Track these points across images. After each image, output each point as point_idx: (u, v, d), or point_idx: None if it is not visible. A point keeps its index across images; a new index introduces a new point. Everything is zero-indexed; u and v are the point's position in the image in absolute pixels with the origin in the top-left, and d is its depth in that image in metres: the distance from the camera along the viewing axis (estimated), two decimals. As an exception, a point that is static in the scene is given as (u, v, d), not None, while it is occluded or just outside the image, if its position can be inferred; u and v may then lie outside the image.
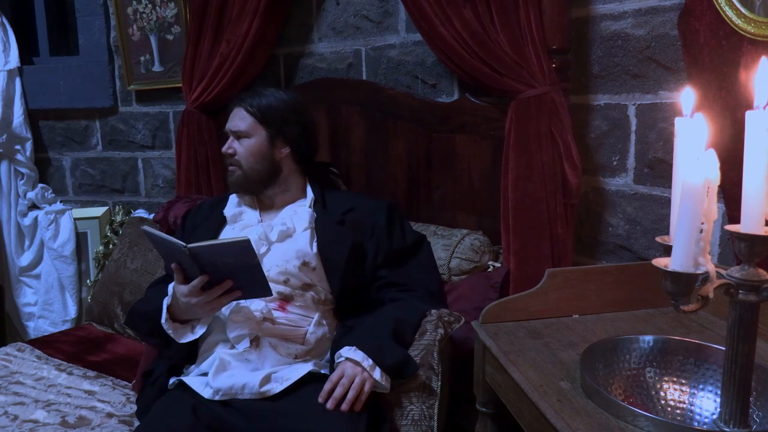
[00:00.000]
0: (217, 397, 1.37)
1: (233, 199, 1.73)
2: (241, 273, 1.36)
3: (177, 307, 1.44)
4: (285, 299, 1.53)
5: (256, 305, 1.49)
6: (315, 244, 1.58)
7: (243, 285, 1.40)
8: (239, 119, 1.64)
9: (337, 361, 1.38)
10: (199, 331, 1.47)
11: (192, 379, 1.44)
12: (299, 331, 1.51)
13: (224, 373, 1.40)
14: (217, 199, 1.82)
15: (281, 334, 1.49)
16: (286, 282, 1.53)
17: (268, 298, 1.48)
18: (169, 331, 1.45)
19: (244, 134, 1.64)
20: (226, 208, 1.71)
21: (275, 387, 1.37)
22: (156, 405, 1.42)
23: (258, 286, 1.39)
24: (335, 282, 1.55)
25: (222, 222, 1.68)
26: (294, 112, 1.68)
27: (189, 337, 1.47)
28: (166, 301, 1.47)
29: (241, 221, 1.66)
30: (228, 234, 1.64)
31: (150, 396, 1.51)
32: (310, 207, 1.67)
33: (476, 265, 1.71)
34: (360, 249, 1.60)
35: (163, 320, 1.45)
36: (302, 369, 1.41)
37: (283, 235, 1.59)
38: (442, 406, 1.40)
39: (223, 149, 1.66)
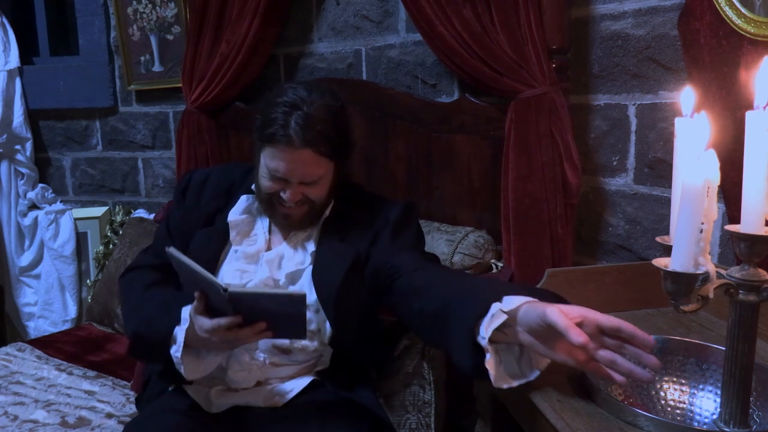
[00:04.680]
0: (218, 411, 1.33)
1: (243, 200, 1.44)
2: (280, 318, 1.19)
3: (191, 334, 1.23)
4: (284, 351, 1.36)
5: (259, 355, 1.35)
6: (313, 288, 1.35)
7: (277, 328, 1.22)
8: (310, 166, 1.30)
9: (513, 307, 0.96)
10: (210, 369, 1.30)
11: (193, 389, 1.36)
12: (306, 365, 1.39)
13: (226, 395, 1.35)
14: (226, 181, 1.50)
15: (287, 375, 1.37)
16: None
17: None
18: (180, 368, 1.25)
19: (313, 181, 1.33)
20: (232, 210, 1.43)
21: (279, 400, 1.34)
22: (156, 402, 1.38)
23: (293, 330, 1.24)
24: (330, 309, 1.33)
25: (225, 232, 1.42)
26: (345, 122, 1.36)
27: (197, 377, 1.30)
28: (180, 334, 1.24)
29: (247, 245, 1.40)
30: (233, 263, 1.39)
31: (150, 396, 1.49)
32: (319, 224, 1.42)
33: (479, 262, 1.70)
34: (361, 263, 1.37)
35: (177, 357, 1.24)
36: (304, 380, 1.37)
37: (290, 277, 1.37)
38: (438, 413, 1.40)
39: (288, 199, 1.32)
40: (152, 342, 1.29)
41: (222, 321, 1.16)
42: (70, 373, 1.93)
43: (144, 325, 1.32)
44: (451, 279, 1.19)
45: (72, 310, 2.77)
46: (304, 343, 1.33)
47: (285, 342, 1.33)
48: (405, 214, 1.41)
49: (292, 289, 1.35)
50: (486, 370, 0.95)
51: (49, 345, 2.14)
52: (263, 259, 1.38)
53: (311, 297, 1.32)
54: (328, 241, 1.39)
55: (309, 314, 1.30)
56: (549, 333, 0.91)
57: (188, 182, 1.51)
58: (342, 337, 1.34)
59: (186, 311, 1.23)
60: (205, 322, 1.18)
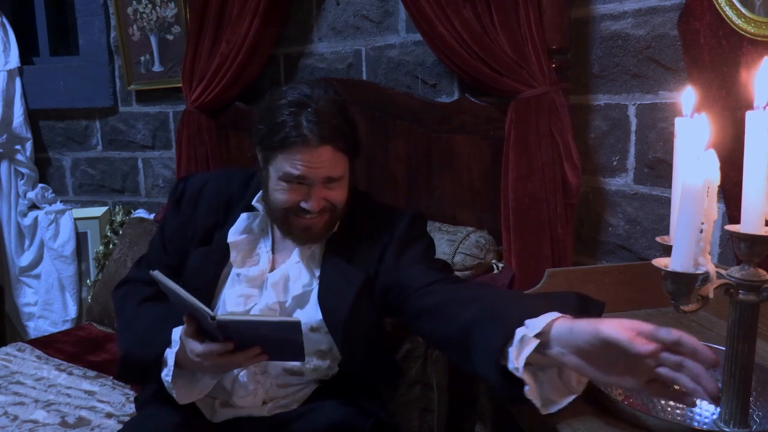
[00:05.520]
0: (219, 420, 1.30)
1: (242, 219, 1.34)
2: (275, 342, 1.14)
3: (182, 357, 1.18)
4: (297, 373, 1.32)
5: (267, 378, 1.30)
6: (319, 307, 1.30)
7: (273, 351, 1.16)
8: (330, 165, 1.22)
9: (548, 321, 0.89)
10: (204, 392, 1.26)
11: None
12: (314, 383, 1.36)
13: (228, 407, 1.31)
14: (224, 193, 1.39)
15: (294, 392, 1.33)
16: None
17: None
18: (173, 393, 1.20)
19: (338, 178, 1.26)
20: (231, 230, 1.33)
21: (282, 410, 1.31)
22: (155, 402, 1.34)
23: (291, 354, 1.18)
24: (338, 334, 1.26)
25: (224, 252, 1.32)
26: (352, 116, 1.29)
27: (190, 400, 1.25)
28: (170, 357, 1.18)
29: (250, 267, 1.32)
30: (235, 288, 1.31)
31: (149, 396, 1.48)
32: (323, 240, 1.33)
33: (480, 262, 1.70)
34: (369, 285, 1.29)
35: (168, 381, 1.19)
36: (309, 389, 1.35)
37: (297, 300, 1.30)
38: (441, 417, 1.41)
39: (312, 207, 1.22)
40: (142, 363, 1.24)
41: (213, 347, 1.11)
42: (70, 373, 1.93)
43: (134, 345, 1.26)
44: (464, 297, 1.11)
45: (72, 310, 2.77)
46: (317, 363, 1.30)
47: (296, 364, 1.28)
48: (411, 227, 1.33)
49: (299, 313, 1.29)
50: (524, 397, 0.88)
51: (49, 345, 2.14)
52: (268, 282, 1.30)
53: (318, 317, 1.28)
54: (335, 260, 1.30)
55: (319, 336, 1.28)
56: (602, 352, 0.82)
57: (183, 191, 1.41)
58: (350, 358, 1.30)
59: (177, 333, 1.18)
60: (196, 347, 1.13)
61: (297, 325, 1.07)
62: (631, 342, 0.77)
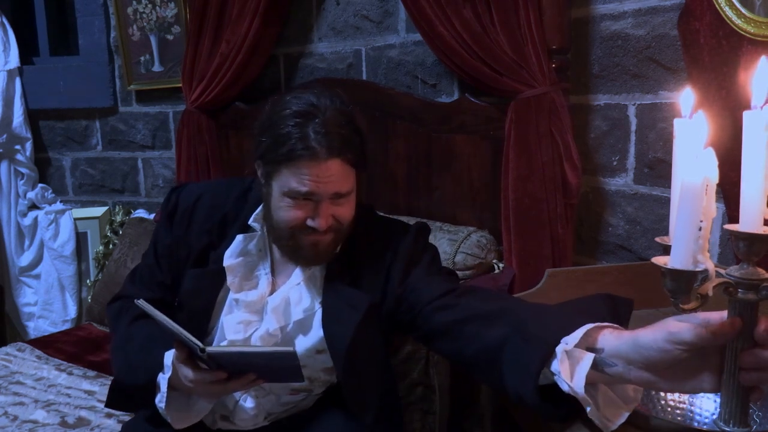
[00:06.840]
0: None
1: (238, 241, 1.25)
2: (271, 369, 1.11)
3: (176, 381, 1.15)
4: (304, 390, 1.29)
5: (269, 400, 1.28)
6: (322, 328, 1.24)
7: (269, 376, 1.14)
8: (339, 179, 1.14)
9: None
10: (201, 416, 1.23)
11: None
12: (316, 397, 1.34)
13: (228, 421, 1.28)
14: (218, 210, 1.30)
15: (298, 411, 1.31)
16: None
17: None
18: (168, 418, 1.18)
19: (347, 193, 1.18)
20: (227, 253, 1.25)
21: (284, 421, 1.30)
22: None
23: (288, 377, 1.15)
24: (339, 361, 1.20)
25: (221, 277, 1.24)
26: (360, 126, 1.22)
27: (186, 425, 1.22)
28: (163, 383, 1.15)
29: (248, 291, 1.25)
30: (234, 314, 1.24)
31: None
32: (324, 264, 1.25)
33: (481, 262, 1.70)
34: (374, 310, 1.22)
35: (162, 408, 1.17)
36: (310, 400, 1.33)
37: (299, 325, 1.24)
38: (442, 418, 1.41)
39: (320, 225, 1.14)
40: (134, 389, 1.21)
41: (206, 376, 1.10)
42: (70, 373, 1.93)
43: (125, 369, 1.23)
44: (484, 314, 1.05)
45: (72, 310, 2.77)
46: (325, 378, 1.28)
47: (304, 384, 1.23)
48: (416, 242, 1.26)
49: (302, 339, 1.23)
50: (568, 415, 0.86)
51: (49, 345, 2.14)
52: (269, 306, 1.23)
53: (323, 340, 1.21)
54: (337, 284, 1.23)
55: (326, 356, 1.23)
56: (676, 358, 0.76)
57: (176, 204, 1.33)
58: (349, 383, 1.23)
59: (169, 358, 1.14)
60: (188, 373, 1.10)
61: (292, 354, 1.03)
62: (714, 334, 0.73)
